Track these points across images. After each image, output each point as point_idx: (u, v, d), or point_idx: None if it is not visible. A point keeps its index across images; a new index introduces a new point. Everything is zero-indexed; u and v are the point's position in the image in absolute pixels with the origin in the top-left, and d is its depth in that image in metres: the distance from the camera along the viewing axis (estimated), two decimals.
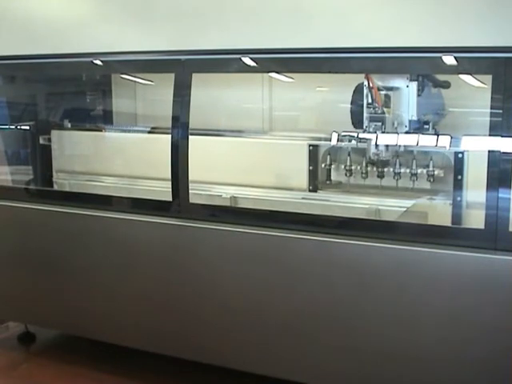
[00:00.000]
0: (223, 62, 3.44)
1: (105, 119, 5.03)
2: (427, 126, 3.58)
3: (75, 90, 4.97)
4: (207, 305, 3.52)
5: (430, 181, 3.64)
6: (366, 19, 3.03)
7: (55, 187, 4.74)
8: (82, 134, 4.83)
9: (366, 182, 3.82)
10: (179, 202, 3.56)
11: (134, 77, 4.66)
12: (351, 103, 3.73)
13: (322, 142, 3.91)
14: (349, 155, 3.81)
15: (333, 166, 3.93)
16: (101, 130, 4.88)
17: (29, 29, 3.93)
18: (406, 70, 3.46)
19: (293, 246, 3.26)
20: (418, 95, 3.56)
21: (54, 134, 4.75)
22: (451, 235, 3.03)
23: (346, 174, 3.85)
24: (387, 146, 3.61)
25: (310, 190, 3.96)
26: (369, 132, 3.60)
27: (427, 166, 3.62)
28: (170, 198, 3.59)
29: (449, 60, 2.93)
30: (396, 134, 3.55)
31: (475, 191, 3.28)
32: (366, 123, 3.61)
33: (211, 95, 4.20)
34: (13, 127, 4.88)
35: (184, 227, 3.52)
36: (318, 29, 3.13)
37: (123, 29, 3.69)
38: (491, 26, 2.80)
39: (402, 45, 2.97)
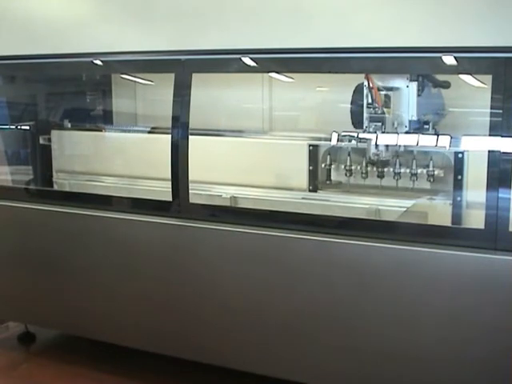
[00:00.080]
0: (223, 62, 3.44)
1: (105, 119, 5.03)
2: (427, 126, 3.58)
3: (75, 89, 4.97)
4: (207, 305, 3.52)
5: (429, 181, 3.64)
6: (366, 19, 3.03)
7: (55, 187, 4.73)
8: (82, 134, 4.83)
9: (366, 182, 3.82)
10: (179, 202, 3.56)
11: (134, 77, 4.66)
12: (351, 103, 3.73)
13: (322, 142, 3.91)
14: (349, 155, 3.81)
15: (333, 166, 3.93)
16: (101, 130, 4.88)
17: (29, 29, 3.93)
18: (406, 70, 3.46)
19: (293, 246, 3.26)
20: (418, 95, 3.56)
21: (54, 134, 4.75)
22: (451, 235, 3.03)
23: (345, 174, 3.85)
24: (387, 146, 3.61)
25: (309, 190, 3.96)
26: (369, 132, 3.60)
27: (427, 166, 3.62)
28: (170, 198, 3.59)
29: (449, 60, 2.93)
30: (396, 134, 3.55)
31: (475, 191, 3.28)
32: (365, 123, 3.61)
33: (211, 95, 4.20)
34: (13, 127, 4.88)
35: (184, 227, 3.52)
36: (317, 29, 3.13)
37: (123, 29, 3.69)
38: (491, 25, 2.80)
39: (402, 45, 2.97)
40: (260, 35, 3.29)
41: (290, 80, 4.00)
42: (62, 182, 4.75)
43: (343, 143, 3.74)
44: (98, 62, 3.85)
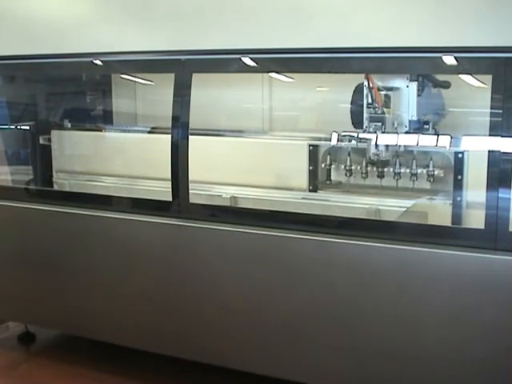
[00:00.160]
0: (223, 61, 3.44)
1: (105, 119, 5.03)
2: (427, 126, 3.58)
3: (75, 89, 4.97)
4: (207, 305, 3.52)
5: (429, 181, 3.64)
6: (366, 19, 3.03)
7: (55, 187, 4.74)
8: (82, 133, 4.83)
9: (366, 182, 3.82)
10: (179, 202, 3.56)
11: (134, 77, 4.66)
12: (351, 103, 3.73)
13: (322, 142, 3.91)
14: (349, 155, 3.81)
15: (333, 166, 3.93)
16: (101, 130, 4.89)
17: (29, 29, 3.93)
18: (406, 70, 3.46)
19: (293, 246, 3.26)
20: (418, 95, 3.56)
21: (54, 134, 4.75)
22: (451, 235, 3.03)
23: (346, 174, 3.85)
24: (387, 146, 3.61)
25: (310, 190, 3.96)
26: (369, 132, 3.60)
27: (427, 166, 3.62)
28: (170, 198, 3.59)
29: (449, 60, 2.93)
30: (396, 134, 3.55)
31: (475, 191, 3.28)
32: (366, 123, 3.61)
33: (211, 95, 4.20)
34: (13, 127, 4.88)
35: (184, 227, 3.52)
36: (318, 29, 3.13)
37: (123, 29, 3.69)
38: (491, 25, 2.80)
39: (402, 45, 2.97)
40: (260, 35, 3.29)
41: (290, 80, 4.00)
42: (62, 182, 4.75)
43: (343, 143, 3.74)
44: (98, 62, 3.85)
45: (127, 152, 4.50)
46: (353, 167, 3.82)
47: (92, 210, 3.80)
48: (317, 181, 3.97)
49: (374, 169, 3.74)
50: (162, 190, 3.80)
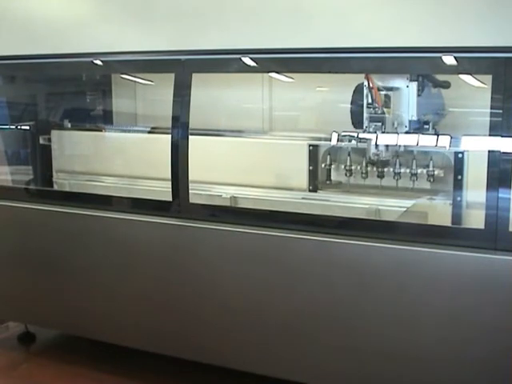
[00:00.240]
0: (223, 61, 3.44)
1: (105, 119, 5.03)
2: (427, 126, 3.58)
3: (75, 89, 4.97)
4: (207, 305, 3.52)
5: (430, 181, 3.64)
6: (366, 19, 3.03)
7: (55, 187, 4.74)
8: (82, 133, 4.83)
9: (366, 182, 3.82)
10: (179, 202, 3.56)
11: (134, 77, 4.66)
12: (351, 103, 3.73)
13: (322, 142, 3.91)
14: (349, 155, 3.81)
15: (333, 166, 3.93)
16: (101, 130, 4.88)
17: (29, 29, 3.93)
18: (406, 70, 3.46)
19: (293, 246, 3.26)
20: (418, 95, 3.56)
21: (54, 134, 4.75)
22: (451, 235, 3.03)
23: (346, 174, 3.85)
24: (387, 146, 3.61)
25: (310, 190, 3.96)
26: (369, 132, 3.60)
27: (427, 166, 3.62)
28: (170, 198, 3.59)
29: (449, 60, 2.93)
30: (396, 134, 3.55)
31: (475, 191, 3.28)
32: (366, 123, 3.61)
33: (211, 95, 4.20)
34: (13, 127, 4.88)
35: (184, 227, 3.52)
36: (318, 29, 3.13)
37: (123, 29, 3.69)
38: (491, 25, 2.80)
39: (402, 45, 2.97)
40: (260, 35, 3.29)
41: (290, 80, 4.00)
42: (62, 181, 4.75)
43: (343, 143, 3.74)
44: (98, 62, 3.85)
45: (127, 152, 4.50)
46: (353, 167, 3.82)
47: (92, 209, 3.80)
48: (317, 181, 3.97)
49: (374, 169, 3.74)
50: (162, 190, 3.80)
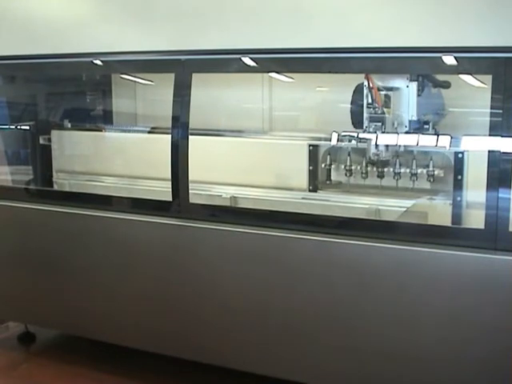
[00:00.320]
0: (223, 61, 3.44)
1: (105, 119, 5.03)
2: (427, 126, 3.58)
3: (75, 89, 4.97)
4: (207, 305, 3.52)
5: (430, 181, 3.64)
6: (366, 19, 3.03)
7: (55, 187, 4.74)
8: (82, 133, 4.83)
9: (366, 182, 3.82)
10: (179, 202, 3.56)
11: (134, 77, 4.66)
12: (351, 103, 3.73)
13: (322, 142, 3.91)
14: (349, 155, 3.81)
15: (333, 166, 3.93)
16: (101, 130, 4.88)
17: (29, 29, 3.93)
18: (406, 70, 3.46)
19: (293, 246, 3.26)
20: (418, 95, 3.56)
21: (54, 134, 4.75)
22: (451, 235, 3.03)
23: (346, 174, 3.85)
24: (387, 146, 3.61)
25: (310, 190, 3.96)
26: (369, 132, 3.60)
27: (427, 166, 3.62)
28: (170, 198, 3.59)
29: (449, 60, 2.93)
30: (396, 134, 3.55)
31: (475, 191, 3.28)
32: (366, 123, 3.61)
33: (211, 95, 4.20)
34: (13, 127, 4.88)
35: (184, 227, 3.52)
36: (318, 29, 3.13)
37: (123, 29, 3.69)
38: (491, 25, 2.80)
39: (402, 45, 2.97)
40: (260, 35, 3.29)
41: (290, 80, 4.00)
42: (62, 181, 4.75)
43: (343, 143, 3.74)
44: (98, 62, 3.85)
45: (127, 152, 4.50)
46: (353, 167, 3.82)
47: (92, 209, 3.80)
48: (317, 181, 3.97)
49: (374, 169, 3.74)
50: (162, 190, 3.80)
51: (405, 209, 3.58)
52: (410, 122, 3.58)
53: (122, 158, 4.52)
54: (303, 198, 3.93)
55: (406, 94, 3.56)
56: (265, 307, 3.36)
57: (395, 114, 3.59)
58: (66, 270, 3.93)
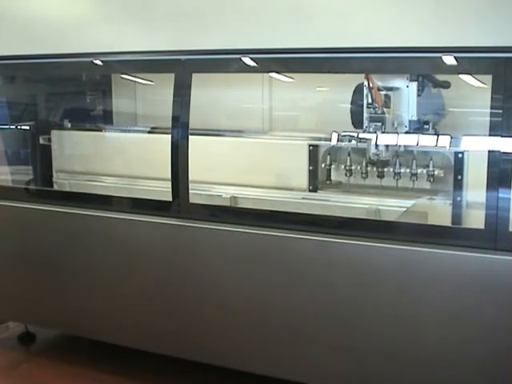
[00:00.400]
0: (223, 61, 3.44)
1: (105, 119, 5.03)
2: (427, 126, 3.58)
3: (75, 89, 4.97)
4: (207, 305, 3.52)
5: (430, 181, 3.64)
6: (366, 19, 3.03)
7: (55, 187, 4.73)
8: (82, 133, 4.83)
9: (366, 182, 3.82)
10: (179, 202, 3.56)
11: (134, 77, 4.66)
12: (351, 103, 3.73)
13: (322, 142, 3.91)
14: (349, 155, 3.81)
15: (333, 166, 3.93)
16: (101, 130, 4.88)
17: (29, 29, 3.93)
18: (406, 70, 3.46)
19: (293, 246, 3.26)
20: (418, 95, 3.56)
21: (54, 134, 4.75)
22: (451, 235, 3.03)
23: (346, 174, 3.85)
24: (387, 146, 3.61)
25: (310, 190, 3.96)
26: (369, 132, 3.60)
27: (427, 166, 3.62)
28: (170, 198, 3.59)
29: (449, 60, 2.93)
30: (396, 134, 3.55)
31: (475, 191, 3.28)
32: (366, 123, 3.61)
33: (211, 95, 4.20)
34: (13, 127, 4.88)
35: (184, 227, 3.52)
36: (318, 29, 3.13)
37: (123, 29, 3.69)
38: (491, 25, 2.80)
39: (402, 45, 2.97)
40: (260, 35, 3.29)
41: (290, 80, 4.00)
42: (62, 181, 4.75)
43: (343, 143, 3.74)
44: (98, 62, 3.85)
45: (127, 152, 4.50)
46: (353, 167, 3.82)
47: (92, 209, 3.80)
48: (317, 181, 3.97)
49: (374, 169, 3.74)
50: (162, 190, 3.80)
51: (405, 209, 3.57)
52: (409, 121, 3.58)
53: (122, 158, 4.52)
54: (303, 198, 3.93)
55: (406, 94, 3.56)
56: (265, 307, 3.36)
57: (395, 114, 3.59)
58: (66, 270, 3.93)
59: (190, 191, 3.53)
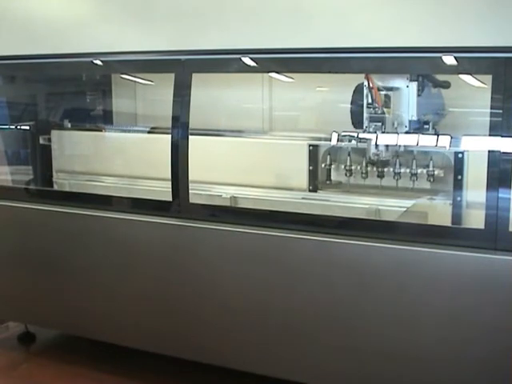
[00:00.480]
0: (223, 61, 3.44)
1: (105, 119, 5.03)
2: (427, 126, 3.58)
3: (75, 89, 4.97)
4: (207, 305, 3.52)
5: (430, 181, 3.64)
6: (366, 19, 3.03)
7: (55, 187, 4.74)
8: (82, 133, 4.83)
9: (366, 182, 3.82)
10: (179, 202, 3.56)
11: (134, 77, 4.66)
12: (351, 103, 3.73)
13: (322, 142, 3.91)
14: (349, 155, 3.81)
15: (333, 166, 3.93)
16: (101, 130, 4.88)
17: (29, 29, 3.93)
18: (406, 70, 3.46)
19: (293, 246, 3.26)
20: (418, 95, 3.56)
21: (54, 134, 4.75)
22: (451, 235, 3.03)
23: (346, 174, 3.85)
24: (387, 146, 3.61)
25: (310, 190, 3.96)
26: (369, 132, 3.60)
27: (427, 166, 3.62)
28: (170, 198, 3.59)
29: (449, 60, 2.93)
30: (396, 134, 3.55)
31: (475, 191, 3.28)
32: (366, 123, 3.61)
33: (211, 95, 4.20)
34: (13, 127, 4.88)
35: (184, 227, 3.52)
36: (318, 29, 3.13)
37: (123, 29, 3.69)
38: (491, 25, 2.80)
39: (402, 45, 2.97)
40: (260, 35, 3.29)
41: (290, 80, 4.00)
42: (62, 181, 4.75)
43: (343, 143, 3.74)
44: (98, 62, 3.85)
45: (127, 152, 4.50)
46: (353, 167, 3.82)
47: (92, 209, 3.80)
48: (317, 181, 3.97)
49: (374, 169, 3.74)
50: (162, 190, 3.80)
51: (405, 209, 3.57)
52: (410, 122, 3.58)
53: (122, 158, 4.52)
54: (303, 198, 3.93)
55: (406, 94, 3.56)
56: (265, 307, 3.36)
57: (395, 114, 3.59)
58: (66, 270, 3.93)
59: (190, 191, 3.53)
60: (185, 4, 3.49)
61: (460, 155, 3.44)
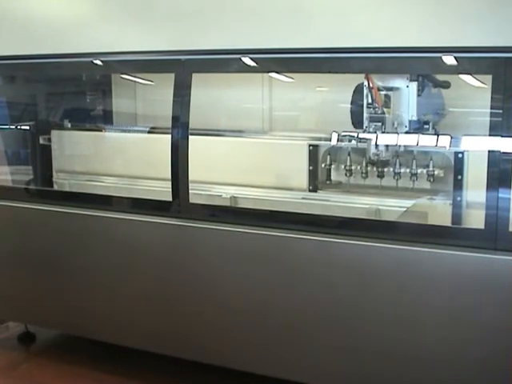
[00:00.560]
0: (223, 61, 3.44)
1: (105, 119, 5.03)
2: (427, 126, 3.58)
3: (75, 89, 4.97)
4: (207, 305, 3.52)
5: (430, 181, 3.64)
6: (366, 19, 3.03)
7: (55, 187, 4.74)
8: (82, 133, 4.83)
9: (366, 182, 3.82)
10: (179, 202, 3.56)
11: (134, 77, 4.66)
12: (351, 103, 3.73)
13: (322, 142, 3.91)
14: (349, 155, 3.81)
15: (333, 166, 3.93)
16: (101, 130, 4.88)
17: (29, 29, 3.93)
18: (406, 70, 3.46)
19: (293, 246, 3.26)
20: (418, 95, 3.56)
21: (54, 134, 4.75)
22: (451, 235, 3.03)
23: (346, 174, 3.85)
24: (387, 146, 3.61)
25: (310, 190, 3.96)
26: (369, 132, 3.60)
27: (427, 166, 3.62)
28: (170, 198, 3.59)
29: (449, 60, 2.93)
30: (396, 134, 3.55)
31: (475, 191, 3.28)
32: (366, 123, 3.61)
33: (211, 95, 4.20)
34: (13, 127, 4.88)
35: (184, 227, 3.52)
36: (318, 29, 3.13)
37: (123, 29, 3.69)
38: (491, 25, 2.80)
39: (402, 45, 2.97)
40: (260, 35, 3.29)
41: (290, 80, 4.00)
42: (62, 181, 4.75)
43: (343, 143, 3.74)
44: (98, 62, 3.85)
45: (127, 152, 4.50)
46: (353, 167, 3.82)
47: (92, 209, 3.80)
48: (317, 181, 3.97)
49: (374, 169, 3.74)
50: (162, 190, 3.80)
51: (405, 209, 3.57)
52: (410, 121, 3.58)
53: (122, 158, 4.52)
54: (303, 198, 3.93)
55: (406, 94, 3.56)
56: (265, 307, 3.36)
57: (395, 114, 3.59)
58: (66, 270, 3.93)
59: (190, 191, 3.54)
60: (185, 4, 3.49)
61: (460, 155, 3.44)
